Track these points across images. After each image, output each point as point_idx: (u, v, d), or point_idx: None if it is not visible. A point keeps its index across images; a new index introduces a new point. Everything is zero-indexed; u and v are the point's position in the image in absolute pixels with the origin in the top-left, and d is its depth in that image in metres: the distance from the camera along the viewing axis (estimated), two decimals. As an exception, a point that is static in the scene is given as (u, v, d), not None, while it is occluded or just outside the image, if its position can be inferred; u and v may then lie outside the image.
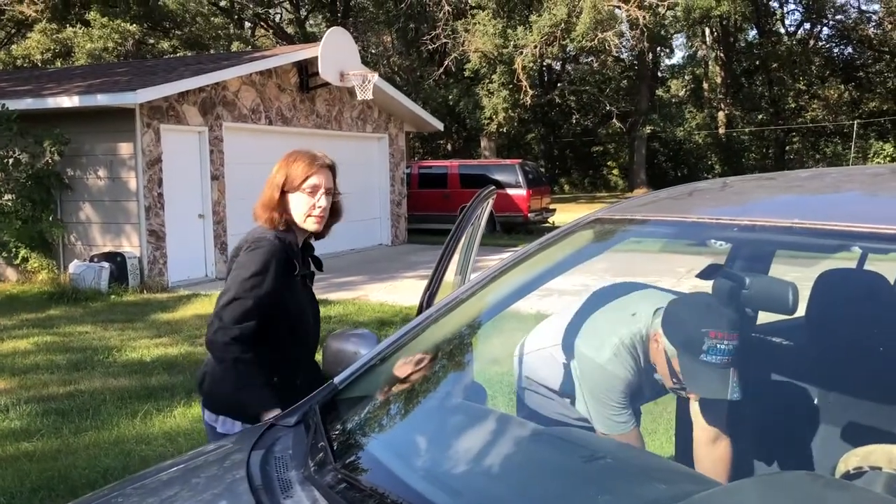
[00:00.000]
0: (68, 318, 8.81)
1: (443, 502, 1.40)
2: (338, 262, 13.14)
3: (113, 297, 10.10)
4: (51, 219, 10.81)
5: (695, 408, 1.83)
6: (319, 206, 2.59)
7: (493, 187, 3.22)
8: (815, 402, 1.63)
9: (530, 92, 25.57)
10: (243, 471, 1.65)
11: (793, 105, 37.86)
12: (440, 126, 17.86)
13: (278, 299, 2.52)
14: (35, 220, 10.62)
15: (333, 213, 2.72)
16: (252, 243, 2.55)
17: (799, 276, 2.08)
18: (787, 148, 38.06)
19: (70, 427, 5.13)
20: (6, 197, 10.61)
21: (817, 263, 2.13)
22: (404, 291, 10.02)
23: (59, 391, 5.98)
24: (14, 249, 10.79)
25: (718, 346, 1.66)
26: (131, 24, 26.65)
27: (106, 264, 10.44)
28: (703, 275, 1.83)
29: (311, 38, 29.79)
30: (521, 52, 24.80)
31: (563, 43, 25.21)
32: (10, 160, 10.55)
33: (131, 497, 1.70)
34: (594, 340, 2.07)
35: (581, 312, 2.26)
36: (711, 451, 1.72)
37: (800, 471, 1.70)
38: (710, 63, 38.61)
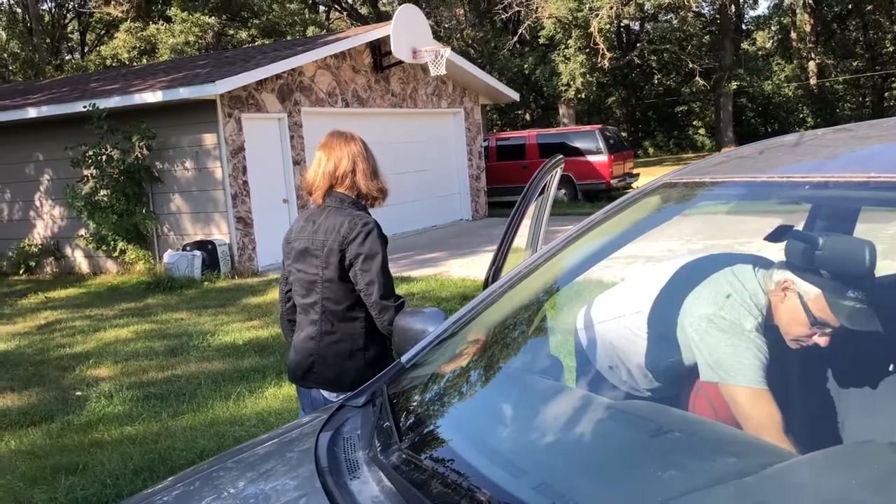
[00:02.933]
0: (164, 306, 9.18)
1: (507, 483, 1.38)
2: (419, 238, 13.23)
3: (206, 283, 10.46)
4: (144, 211, 11.26)
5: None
6: None
7: (561, 156, 3.16)
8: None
9: (608, 55, 24.99)
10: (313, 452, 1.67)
11: (891, 49, 35.73)
12: (515, 96, 17.64)
13: None
14: (129, 213, 11.08)
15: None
16: (363, 227, 2.76)
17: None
18: (886, 95, 36.01)
19: (168, 411, 5.35)
20: (102, 193, 11.10)
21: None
22: (485, 266, 9.97)
23: (158, 376, 6.24)
24: (112, 242, 11.29)
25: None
26: (210, 17, 27.33)
27: (198, 252, 10.81)
28: (772, 237, 1.74)
29: (385, 18, 29.86)
30: (597, 15, 24.23)
31: (640, 1, 24.48)
32: (103, 157, 11.02)
33: (232, 471, 1.76)
34: (715, 303, 1.93)
35: (677, 282, 2.16)
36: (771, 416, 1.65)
37: (881, 441, 1.60)
38: (797, 10, 36.74)
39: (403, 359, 2.03)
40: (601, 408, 1.79)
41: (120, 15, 29.51)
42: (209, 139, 10.96)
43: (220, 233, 11.15)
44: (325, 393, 2.88)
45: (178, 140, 11.20)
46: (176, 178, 11.34)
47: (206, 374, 6.19)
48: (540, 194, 3.04)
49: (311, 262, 2.84)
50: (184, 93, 10.57)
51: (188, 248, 10.99)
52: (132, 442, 4.78)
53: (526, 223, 2.89)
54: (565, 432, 1.58)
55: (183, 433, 4.87)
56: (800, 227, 2.13)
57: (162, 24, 27.88)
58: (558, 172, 3.12)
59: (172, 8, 27.41)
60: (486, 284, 2.53)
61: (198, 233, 11.29)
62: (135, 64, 26.29)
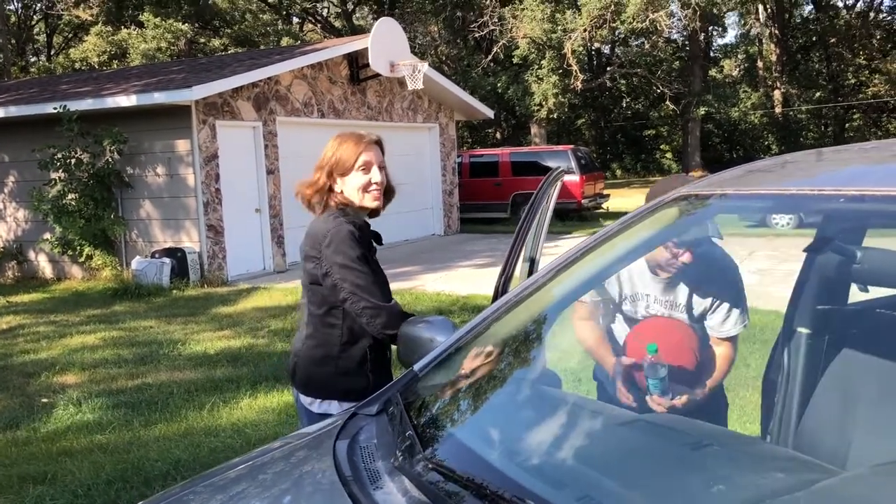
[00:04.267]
0: (132, 314, 8.97)
1: (543, 491, 1.33)
2: (392, 252, 13.14)
3: (175, 291, 10.25)
4: (112, 217, 11.02)
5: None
6: (375, 182, 2.67)
7: (562, 168, 3.13)
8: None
9: (580, 76, 25.22)
10: (330, 460, 1.60)
11: (853, 81, 36.67)
12: (490, 114, 17.70)
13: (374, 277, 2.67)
14: (97, 218, 10.84)
15: (387, 191, 2.81)
16: (332, 236, 2.60)
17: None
18: (847, 126, 36.90)
19: (140, 420, 5.20)
20: (70, 196, 10.85)
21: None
22: (460, 280, 9.97)
23: (128, 384, 6.07)
24: (78, 248, 11.03)
25: None
26: (183, 24, 27.08)
27: (167, 260, 10.60)
28: (812, 248, 1.72)
29: (359, 31, 29.88)
30: (571, 37, 24.46)
31: (613, 25, 24.79)
32: (73, 160, 10.78)
33: (202, 494, 1.67)
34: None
35: None
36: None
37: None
38: (764, 41, 37.60)
39: (416, 367, 1.97)
40: (631, 420, 1.74)
41: (89, 18, 29.11)
42: (182, 145, 10.79)
43: (191, 241, 10.95)
44: (301, 396, 2.80)
45: (150, 145, 11.00)
46: (147, 184, 11.13)
47: (178, 383, 6.04)
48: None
49: (303, 266, 2.80)
50: (159, 97, 10.41)
51: (157, 256, 10.78)
52: (103, 451, 4.63)
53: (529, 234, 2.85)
54: (596, 444, 1.53)
55: (156, 443, 4.72)
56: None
57: (134, 29, 27.55)
58: (559, 185, 3.10)
59: (145, 13, 27.12)
60: (496, 294, 2.48)
61: (167, 240, 11.08)
62: (104, 68, 25.90)
